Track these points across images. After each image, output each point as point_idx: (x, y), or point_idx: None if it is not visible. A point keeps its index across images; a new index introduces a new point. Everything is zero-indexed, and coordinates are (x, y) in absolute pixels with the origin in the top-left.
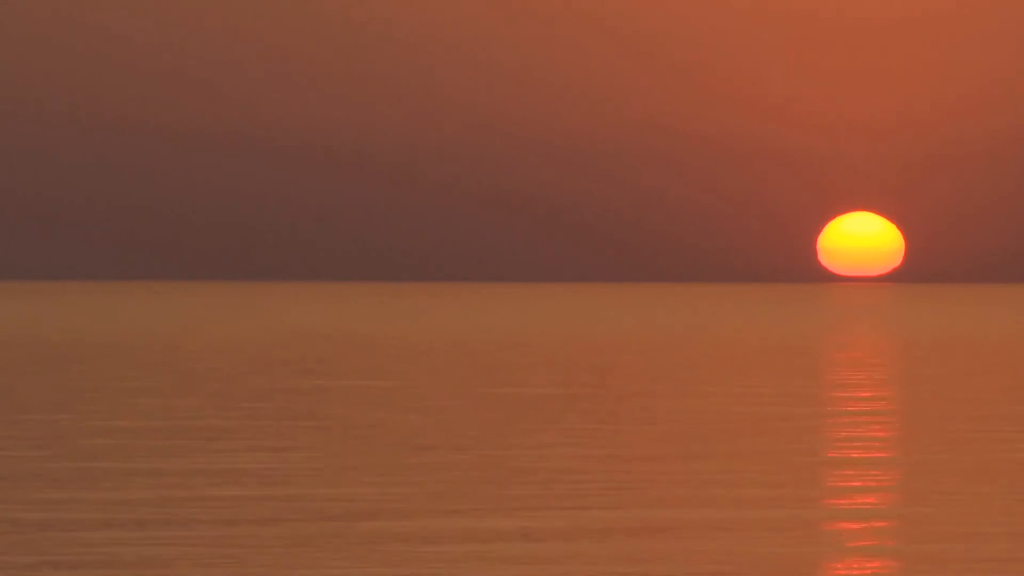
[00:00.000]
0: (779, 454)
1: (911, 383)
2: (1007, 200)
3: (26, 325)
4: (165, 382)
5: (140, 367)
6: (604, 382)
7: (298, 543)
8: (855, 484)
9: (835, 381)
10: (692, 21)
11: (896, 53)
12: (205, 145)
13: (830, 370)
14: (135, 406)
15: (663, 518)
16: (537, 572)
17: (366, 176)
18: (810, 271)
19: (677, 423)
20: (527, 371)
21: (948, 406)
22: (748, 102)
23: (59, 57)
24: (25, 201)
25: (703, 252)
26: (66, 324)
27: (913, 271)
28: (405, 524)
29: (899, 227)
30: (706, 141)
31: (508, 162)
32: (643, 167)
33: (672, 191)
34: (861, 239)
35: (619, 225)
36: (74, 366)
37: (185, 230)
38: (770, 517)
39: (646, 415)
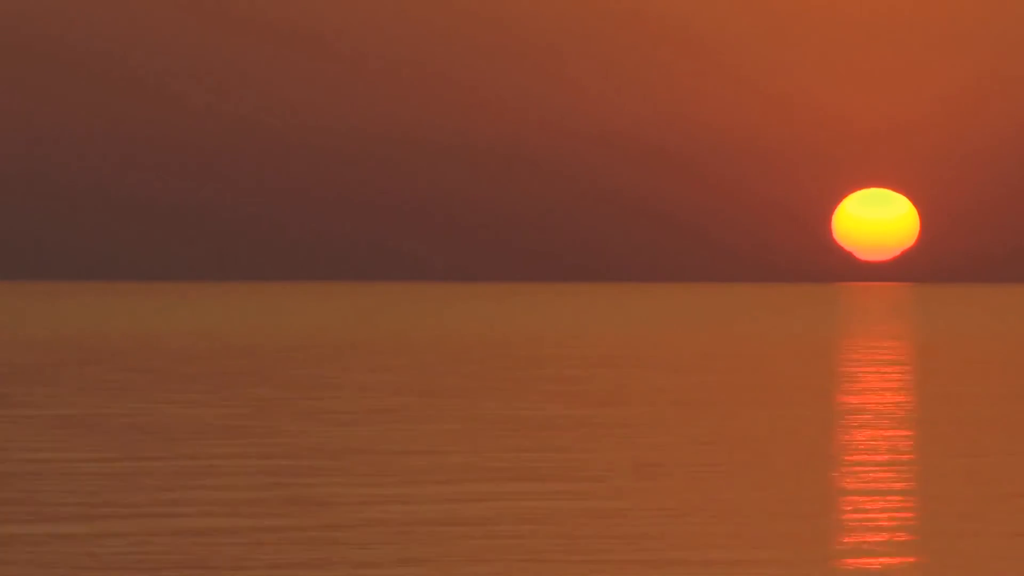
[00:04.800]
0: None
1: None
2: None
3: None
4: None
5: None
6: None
7: None
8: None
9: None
10: (690, 14)
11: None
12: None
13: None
14: None
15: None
16: None
17: (368, 175)
18: (826, 257)
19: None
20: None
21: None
22: (747, 93)
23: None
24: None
25: (708, 251)
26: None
27: (930, 248)
28: None
29: (912, 200)
30: (705, 136)
31: (514, 165)
32: (644, 166)
33: (671, 189)
34: (875, 222)
35: (625, 225)
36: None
37: (185, 229)
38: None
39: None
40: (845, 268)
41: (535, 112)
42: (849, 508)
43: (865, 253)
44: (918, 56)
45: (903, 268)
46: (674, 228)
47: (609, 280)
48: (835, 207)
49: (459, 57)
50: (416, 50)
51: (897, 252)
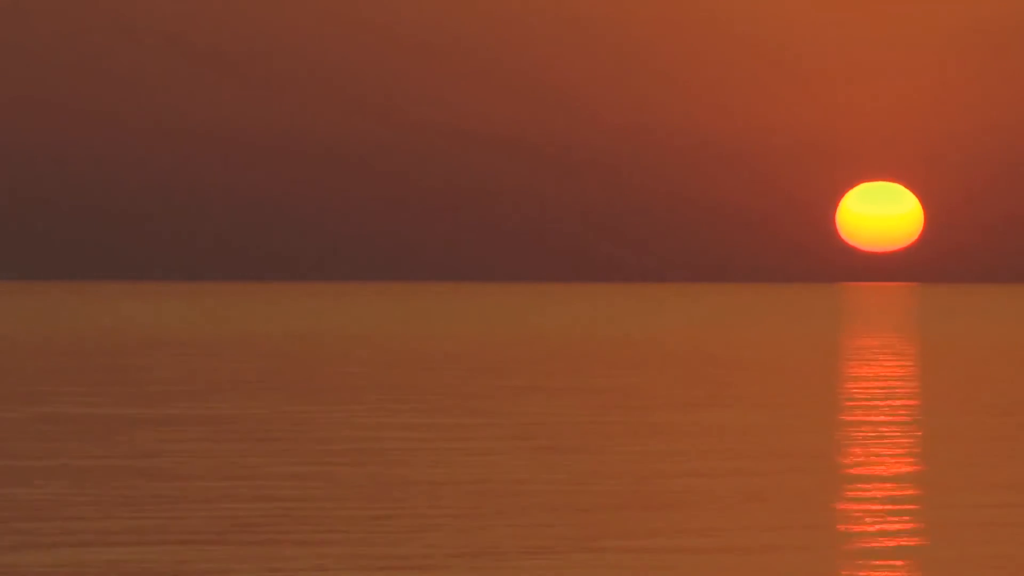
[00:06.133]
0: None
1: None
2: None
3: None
4: None
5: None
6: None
7: None
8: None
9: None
10: (689, 13)
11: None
12: (204, 144)
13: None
14: None
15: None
16: None
17: (365, 177)
18: (830, 254)
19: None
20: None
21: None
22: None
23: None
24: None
25: (710, 251)
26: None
27: (934, 245)
28: None
29: (915, 193)
30: (707, 137)
31: (519, 164)
32: (649, 165)
33: (674, 190)
34: (879, 217)
35: (631, 225)
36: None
37: (177, 230)
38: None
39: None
40: (850, 265)
41: (533, 113)
42: None
43: (870, 248)
44: (919, 53)
45: (908, 267)
46: (674, 228)
47: (609, 281)
48: (837, 203)
49: (452, 46)
50: (430, 35)
51: (901, 246)
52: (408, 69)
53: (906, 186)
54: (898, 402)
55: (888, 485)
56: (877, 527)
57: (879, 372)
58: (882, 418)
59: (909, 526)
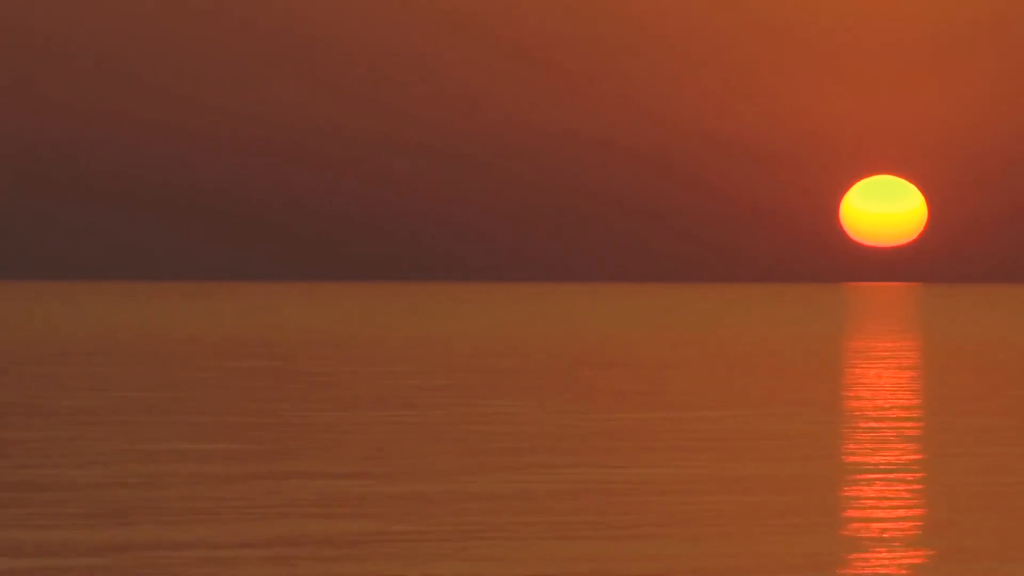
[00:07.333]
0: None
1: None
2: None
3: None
4: None
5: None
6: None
7: None
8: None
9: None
10: (691, 11)
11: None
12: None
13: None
14: None
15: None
16: None
17: (371, 175)
18: (834, 252)
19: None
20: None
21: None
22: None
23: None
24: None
25: (718, 252)
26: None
27: (939, 231)
28: None
29: (919, 186)
30: (707, 138)
31: (521, 162)
32: (646, 163)
33: (674, 189)
34: (882, 213)
35: (637, 224)
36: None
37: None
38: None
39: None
40: (854, 261)
41: (535, 107)
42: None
43: (873, 243)
44: (923, 46)
45: (912, 262)
46: (672, 226)
47: (607, 281)
48: (841, 198)
49: (430, 54)
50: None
51: (905, 242)
52: (426, 59)
53: (910, 181)
54: (906, 402)
55: (895, 489)
56: (883, 533)
57: (891, 374)
58: (892, 422)
59: (914, 532)
